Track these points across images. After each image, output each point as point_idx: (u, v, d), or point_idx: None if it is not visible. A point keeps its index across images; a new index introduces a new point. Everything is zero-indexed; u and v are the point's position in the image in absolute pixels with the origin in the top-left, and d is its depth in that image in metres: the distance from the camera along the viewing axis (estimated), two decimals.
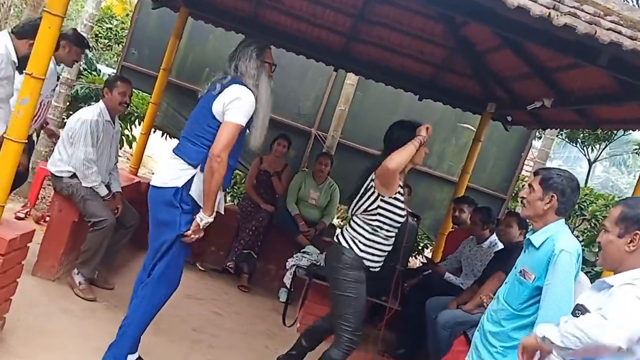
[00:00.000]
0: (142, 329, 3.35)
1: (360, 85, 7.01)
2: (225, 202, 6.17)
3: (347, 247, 3.54)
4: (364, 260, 3.55)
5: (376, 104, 7.03)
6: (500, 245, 4.83)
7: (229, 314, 5.14)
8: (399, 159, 3.30)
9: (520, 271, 2.66)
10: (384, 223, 3.52)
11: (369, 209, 3.50)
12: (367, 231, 3.55)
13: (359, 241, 3.55)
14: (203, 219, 3.19)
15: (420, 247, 8.59)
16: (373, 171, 3.51)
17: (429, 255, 7.12)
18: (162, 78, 6.01)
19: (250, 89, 3.26)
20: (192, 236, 3.23)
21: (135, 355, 3.41)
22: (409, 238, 4.47)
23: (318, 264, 5.33)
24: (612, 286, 2.05)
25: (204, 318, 4.84)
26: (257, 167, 6.23)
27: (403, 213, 3.55)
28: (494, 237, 5.10)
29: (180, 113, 7.24)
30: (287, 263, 5.74)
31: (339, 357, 3.52)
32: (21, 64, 3.74)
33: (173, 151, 3.34)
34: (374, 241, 3.56)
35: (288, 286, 5.57)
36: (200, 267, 6.06)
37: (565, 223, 2.72)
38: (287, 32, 5.86)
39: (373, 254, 3.57)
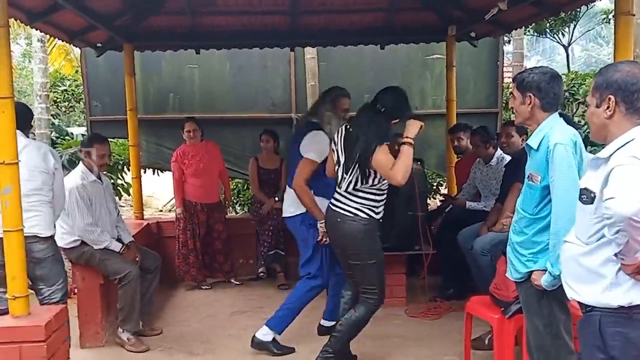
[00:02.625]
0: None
1: (320, 55, 6.96)
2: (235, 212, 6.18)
3: (363, 216, 3.60)
4: (380, 220, 3.68)
5: (342, 68, 6.98)
6: (508, 158, 4.82)
7: None
8: (405, 168, 3.42)
9: (528, 176, 2.66)
10: (389, 184, 3.62)
11: (374, 183, 3.58)
12: (375, 194, 3.63)
13: (372, 207, 3.63)
14: (320, 222, 3.99)
15: (434, 187, 8.61)
16: (362, 149, 3.51)
17: (446, 192, 7.13)
18: (132, 118, 6.00)
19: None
20: (324, 239, 4.02)
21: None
22: (420, 184, 4.50)
23: None
24: (605, 159, 2.04)
25: (257, 328, 4.84)
26: (256, 168, 6.21)
27: None
28: (499, 152, 5.09)
29: (162, 145, 7.21)
30: None
31: (369, 315, 3.69)
32: None
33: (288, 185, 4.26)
34: (383, 198, 3.68)
35: None
36: (235, 282, 6.09)
37: (562, 114, 2.71)
38: (231, 31, 5.83)
39: (382, 207, 3.70)
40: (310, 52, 6.92)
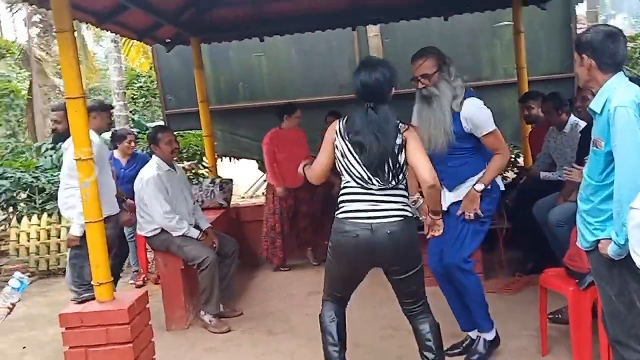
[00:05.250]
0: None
1: (385, 32, 6.90)
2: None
3: (412, 215, 3.06)
4: None
5: (408, 43, 6.85)
6: (583, 124, 4.61)
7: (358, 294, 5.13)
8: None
9: (593, 141, 2.54)
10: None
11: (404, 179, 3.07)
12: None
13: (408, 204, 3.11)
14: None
15: (511, 159, 8.35)
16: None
17: (522, 164, 6.91)
18: (204, 110, 6.19)
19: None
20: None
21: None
22: None
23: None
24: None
25: None
26: None
27: None
28: (573, 118, 4.88)
29: (236, 133, 7.42)
30: None
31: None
32: None
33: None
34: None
35: None
36: (313, 263, 6.20)
37: (634, 78, 2.58)
38: (294, 16, 5.86)
39: None
40: (373, 30, 6.86)
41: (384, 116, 2.92)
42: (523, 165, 6.16)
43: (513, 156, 8.34)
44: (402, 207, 2.97)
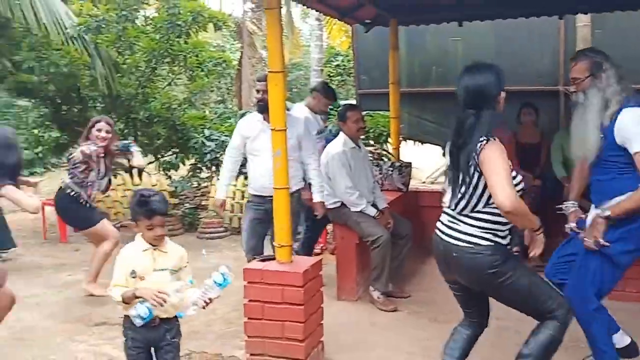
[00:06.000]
0: None
1: (595, 23, 6.35)
2: None
3: (485, 244, 2.78)
4: (507, 246, 2.88)
5: (620, 36, 6.26)
6: None
7: None
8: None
9: None
10: None
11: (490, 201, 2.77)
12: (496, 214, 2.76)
13: (497, 230, 2.80)
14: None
15: None
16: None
17: None
18: (394, 92, 6.27)
19: None
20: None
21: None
22: None
23: None
24: None
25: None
26: (514, 142, 6.01)
27: None
28: None
29: (423, 118, 7.40)
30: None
31: (558, 332, 2.86)
32: None
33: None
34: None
35: None
36: None
37: None
38: (497, 1, 5.63)
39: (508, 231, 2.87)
40: (582, 20, 6.35)
41: (470, 126, 2.74)
42: None
43: None
44: (476, 233, 2.76)
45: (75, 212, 5.21)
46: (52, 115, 8.60)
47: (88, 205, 5.17)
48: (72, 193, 5.08)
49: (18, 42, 7.84)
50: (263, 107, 4.20)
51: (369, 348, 4.06)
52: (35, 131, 8.83)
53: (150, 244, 2.88)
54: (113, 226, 5.43)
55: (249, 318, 3.62)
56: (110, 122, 5.24)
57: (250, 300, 3.62)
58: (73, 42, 7.73)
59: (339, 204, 4.86)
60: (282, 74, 3.46)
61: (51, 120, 8.68)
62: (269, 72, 3.52)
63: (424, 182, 11.64)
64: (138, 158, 5.45)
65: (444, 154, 3.08)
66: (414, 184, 8.38)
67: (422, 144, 7.98)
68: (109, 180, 5.43)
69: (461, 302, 3.12)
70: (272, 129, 3.55)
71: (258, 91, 4.41)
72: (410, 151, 8.40)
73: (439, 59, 7.17)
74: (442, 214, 2.95)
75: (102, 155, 5.11)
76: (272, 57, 3.53)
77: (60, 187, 5.20)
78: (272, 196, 3.63)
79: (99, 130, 5.08)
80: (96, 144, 5.04)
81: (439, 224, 2.95)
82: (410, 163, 6.26)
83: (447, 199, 2.89)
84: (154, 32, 8.15)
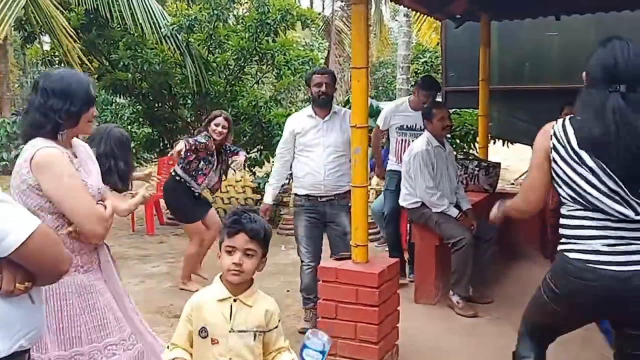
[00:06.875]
0: None
1: None
2: None
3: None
4: None
5: None
6: None
7: None
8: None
9: None
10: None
11: None
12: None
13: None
14: None
15: None
16: None
17: None
18: (484, 89, 6.05)
19: None
20: None
21: None
22: None
23: None
24: None
25: None
26: None
27: None
28: None
29: (515, 116, 7.09)
30: None
31: None
32: None
33: None
34: None
35: None
36: None
37: None
38: None
39: None
40: None
41: (636, 104, 2.19)
42: None
43: None
44: None
45: (178, 199, 5.26)
46: (144, 112, 8.97)
47: (197, 194, 5.24)
48: (180, 179, 5.17)
49: (116, 41, 8.22)
50: (325, 101, 4.12)
51: (445, 354, 3.92)
52: (129, 127, 9.24)
53: (228, 280, 2.13)
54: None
55: (322, 317, 3.58)
56: (229, 119, 5.26)
57: (324, 299, 3.58)
58: (166, 41, 8.01)
59: (419, 204, 4.73)
60: (365, 70, 3.39)
61: (143, 116, 9.05)
62: (352, 68, 3.46)
63: (512, 184, 11.19)
64: (241, 162, 5.39)
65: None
66: (501, 185, 8.07)
67: (512, 143, 7.66)
68: (220, 179, 5.44)
69: (560, 334, 2.70)
70: (352, 126, 3.48)
71: (317, 85, 4.21)
72: (496, 150, 8.09)
73: (532, 55, 6.84)
74: (594, 240, 2.26)
75: (213, 149, 5.15)
76: (355, 52, 3.47)
77: (170, 173, 5.34)
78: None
79: (217, 125, 5.15)
80: (209, 136, 5.10)
81: (594, 256, 2.25)
82: (499, 163, 6.01)
83: (612, 206, 2.21)
84: (243, 30, 8.30)
